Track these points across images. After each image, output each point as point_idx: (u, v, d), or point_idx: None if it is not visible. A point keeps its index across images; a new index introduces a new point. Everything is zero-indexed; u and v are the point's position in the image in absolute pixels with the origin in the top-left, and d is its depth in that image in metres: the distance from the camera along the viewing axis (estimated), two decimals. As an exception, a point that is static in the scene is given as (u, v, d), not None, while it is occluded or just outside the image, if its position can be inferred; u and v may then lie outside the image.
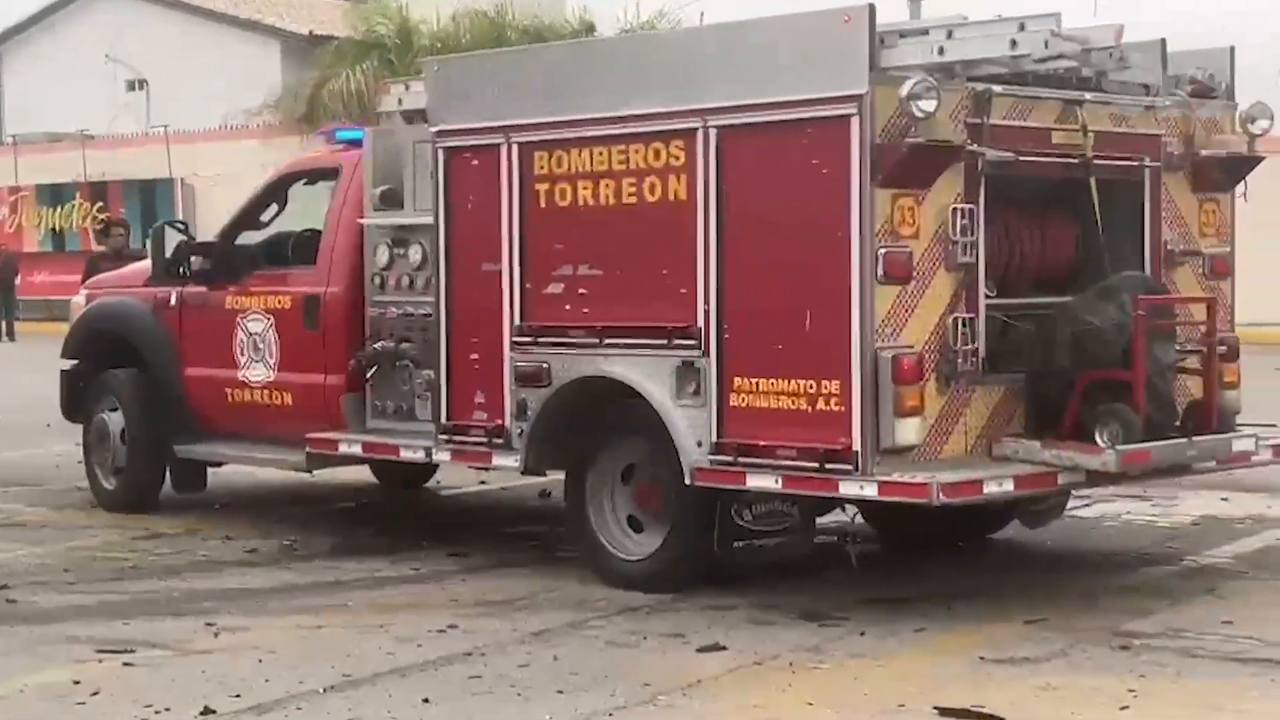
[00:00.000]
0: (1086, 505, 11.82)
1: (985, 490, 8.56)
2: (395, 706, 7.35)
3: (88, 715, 7.37)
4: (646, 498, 9.66)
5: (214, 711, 7.26)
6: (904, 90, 8.42)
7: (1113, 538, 11.14)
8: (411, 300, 10.72)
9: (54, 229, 40.08)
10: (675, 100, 9.21)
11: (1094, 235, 9.37)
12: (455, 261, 10.28)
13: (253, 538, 11.49)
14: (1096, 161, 9.28)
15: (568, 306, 9.74)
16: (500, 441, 10.04)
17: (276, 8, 44.14)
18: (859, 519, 10.36)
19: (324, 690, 7.60)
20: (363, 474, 13.03)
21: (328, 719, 7.22)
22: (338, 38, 38.52)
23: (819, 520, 9.78)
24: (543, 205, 9.83)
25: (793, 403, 8.80)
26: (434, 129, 10.36)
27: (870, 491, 8.59)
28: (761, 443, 8.88)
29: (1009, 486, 8.67)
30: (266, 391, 11.64)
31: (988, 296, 9.01)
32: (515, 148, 9.92)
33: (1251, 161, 9.98)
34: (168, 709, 7.33)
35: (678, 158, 9.22)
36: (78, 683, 7.78)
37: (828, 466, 8.65)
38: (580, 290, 9.70)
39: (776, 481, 8.86)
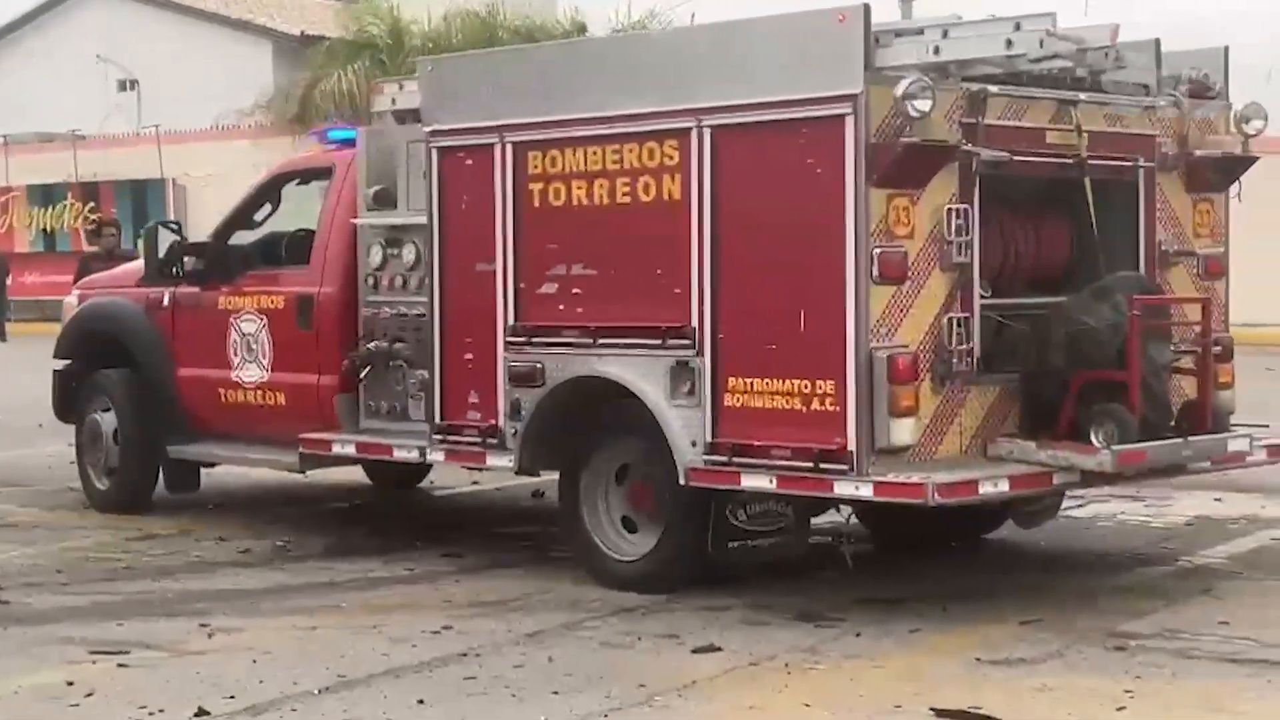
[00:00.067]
0: (1080, 506, 11.81)
1: (981, 491, 8.56)
2: (390, 708, 7.33)
3: (82, 716, 7.35)
4: (641, 498, 9.64)
5: (208, 713, 7.23)
6: (899, 90, 8.41)
7: (1107, 538, 11.14)
8: (405, 300, 10.70)
9: (45, 229, 40.01)
10: (669, 100, 9.20)
11: (1088, 235, 9.36)
12: (449, 261, 10.27)
13: (246, 538, 11.47)
14: (1091, 161, 9.28)
15: (562, 306, 9.72)
16: (494, 442, 10.02)
17: (268, 8, 44.07)
18: (853, 519, 10.33)
19: (319, 691, 7.58)
20: (356, 474, 13.00)
21: (322, 720, 7.22)
22: (329, 38, 38.46)
23: (813, 520, 9.77)
24: (537, 205, 9.82)
25: (787, 403, 8.79)
26: (428, 129, 10.34)
27: (865, 492, 8.58)
28: (756, 443, 8.87)
29: (1004, 487, 8.66)
30: (260, 392, 11.61)
31: (983, 296, 9.01)
32: (509, 147, 9.90)
33: (1245, 162, 9.98)
34: (162, 710, 7.31)
35: (672, 157, 9.21)
36: (71, 684, 7.76)
37: (822, 467, 8.64)
38: (574, 290, 9.68)
39: (771, 482, 8.85)
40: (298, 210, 12.21)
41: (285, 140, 33.24)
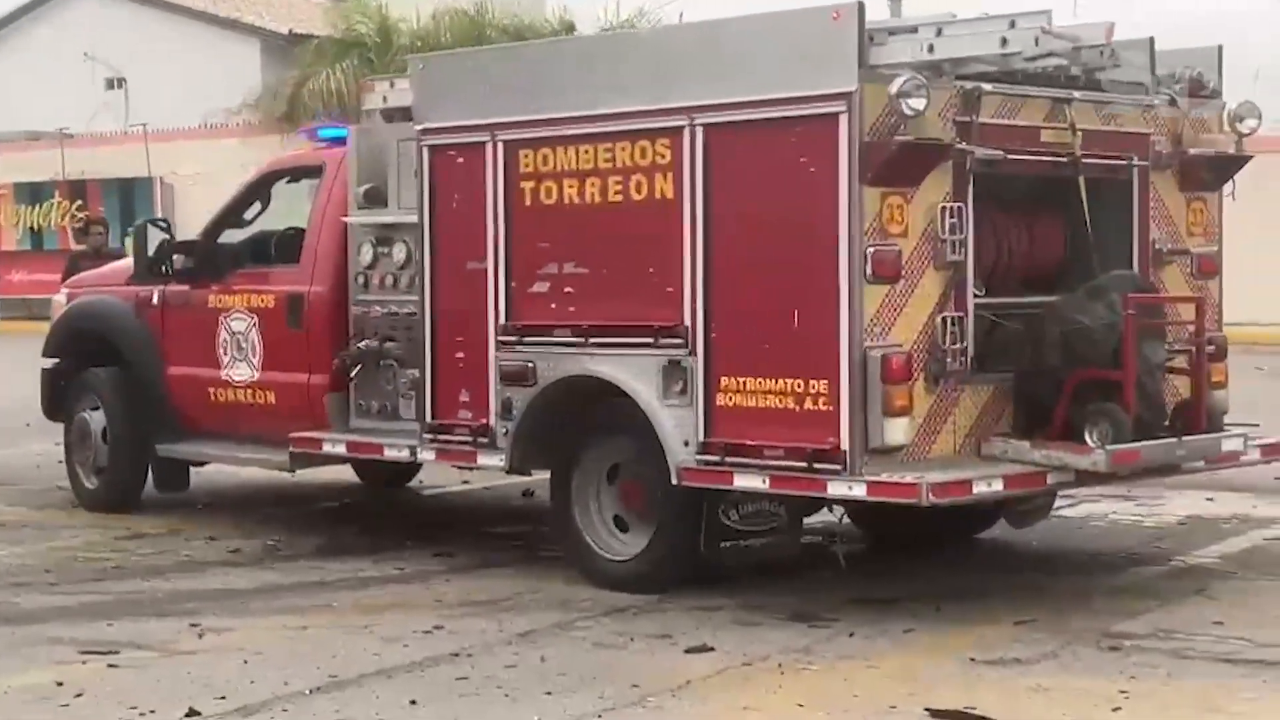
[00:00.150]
0: (1072, 505, 11.79)
1: (975, 490, 8.53)
2: (382, 708, 7.30)
3: (72, 717, 7.31)
4: (632, 498, 9.61)
5: (199, 713, 7.20)
6: (893, 88, 8.38)
7: (1099, 538, 11.11)
8: (396, 299, 10.67)
9: (32, 227, 39.86)
10: (662, 98, 9.16)
11: (1082, 234, 9.34)
12: (440, 260, 10.23)
13: (236, 538, 11.42)
14: (1085, 160, 9.25)
15: (553, 305, 9.69)
16: (485, 441, 9.98)
17: (256, 6, 43.96)
18: (846, 519, 10.30)
19: (310, 692, 7.54)
20: (345, 473, 12.96)
21: (314, 721, 7.18)
22: (317, 36, 38.34)
23: (806, 520, 9.74)
24: (528, 203, 9.78)
25: (780, 402, 8.75)
26: (419, 127, 10.30)
27: (859, 492, 8.54)
28: (749, 442, 8.84)
29: (998, 486, 8.63)
30: (250, 391, 11.57)
31: (976, 295, 8.97)
32: (500, 146, 9.87)
33: (1239, 161, 9.96)
34: (153, 711, 7.27)
35: (664, 156, 9.17)
36: (61, 684, 7.71)
37: (816, 466, 8.61)
38: (566, 289, 9.64)
39: (764, 481, 8.81)
40: (288, 209, 12.16)
41: (273, 139, 33.14)
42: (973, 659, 7.92)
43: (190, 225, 13.93)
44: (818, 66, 8.57)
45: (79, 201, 38.26)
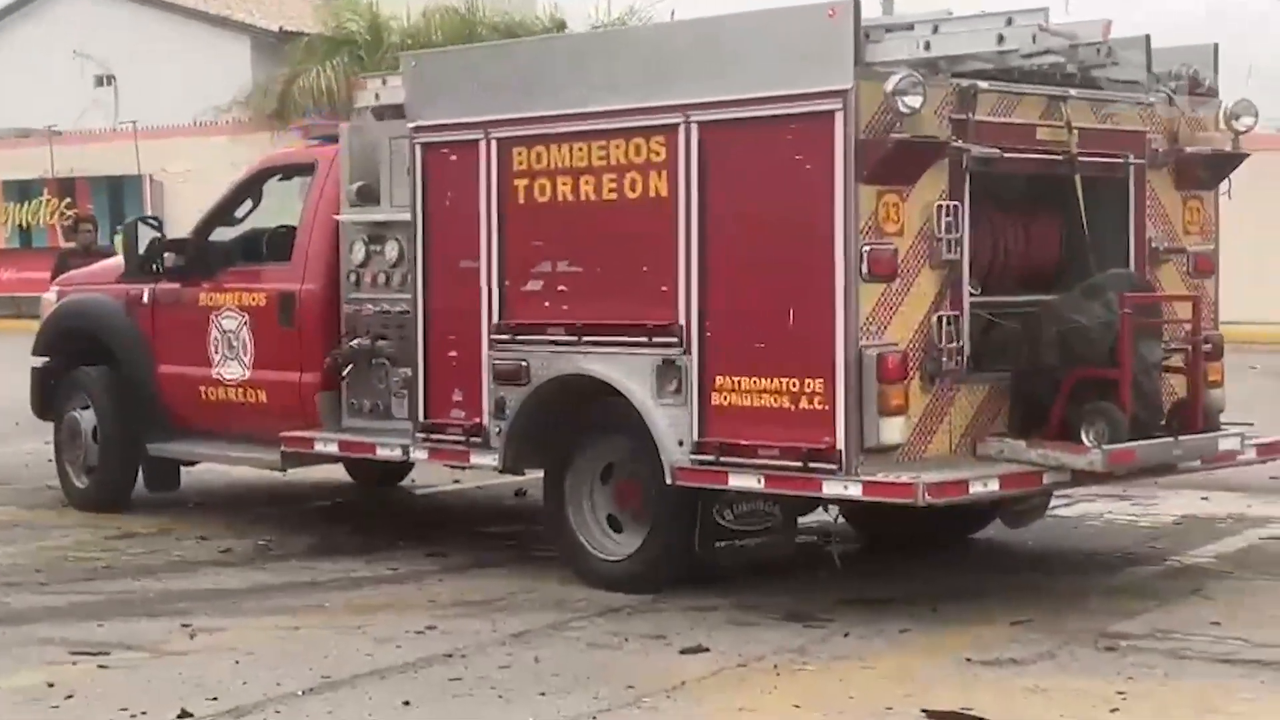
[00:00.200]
0: (1067, 505, 11.75)
1: (971, 490, 8.49)
2: (375, 709, 7.25)
3: (63, 718, 7.25)
4: (626, 497, 9.56)
5: (191, 714, 7.15)
6: (889, 86, 8.33)
7: (1095, 538, 11.08)
8: (388, 297, 10.61)
9: (21, 225, 39.75)
10: (656, 95, 9.12)
11: (1078, 232, 9.30)
12: (433, 258, 10.18)
13: (227, 537, 11.37)
14: (1081, 158, 9.21)
15: (547, 304, 9.64)
16: (478, 440, 9.93)
17: (246, 4, 43.85)
18: (840, 519, 10.26)
19: (303, 692, 7.50)
20: (337, 472, 12.91)
21: (307, 722, 7.13)
22: (308, 34, 38.24)
23: (800, 520, 9.69)
24: (522, 201, 9.73)
25: (775, 401, 8.71)
26: (411, 124, 10.25)
27: (854, 491, 8.50)
28: (744, 442, 8.79)
29: (994, 486, 8.59)
30: (241, 389, 11.51)
31: (972, 294, 8.93)
32: (494, 143, 9.82)
33: (1235, 159, 9.92)
34: (144, 712, 7.22)
35: (659, 154, 9.12)
36: (52, 685, 7.66)
37: (811, 466, 8.57)
38: (560, 287, 9.60)
39: (759, 481, 8.77)
40: (279, 207, 12.10)
41: (263, 136, 33.07)
42: (969, 659, 7.88)
43: (179, 223, 13.86)
44: (813, 64, 8.52)
45: (68, 199, 38.17)
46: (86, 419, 12.44)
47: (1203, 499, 12.18)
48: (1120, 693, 7.30)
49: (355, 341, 10.72)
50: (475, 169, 9.88)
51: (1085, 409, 8.75)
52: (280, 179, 12.10)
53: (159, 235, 12.19)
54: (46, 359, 12.96)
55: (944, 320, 8.71)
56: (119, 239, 12.67)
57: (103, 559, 10.75)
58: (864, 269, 8.44)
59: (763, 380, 8.75)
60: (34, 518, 12.36)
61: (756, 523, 9.31)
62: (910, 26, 8.78)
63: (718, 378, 8.92)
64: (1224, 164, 9.91)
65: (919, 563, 10.11)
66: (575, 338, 9.49)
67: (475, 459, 10.05)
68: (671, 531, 9.25)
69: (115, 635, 8.62)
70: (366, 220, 10.72)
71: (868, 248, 8.44)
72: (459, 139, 9.98)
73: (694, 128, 8.96)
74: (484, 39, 32.07)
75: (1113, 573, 10.01)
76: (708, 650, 8.11)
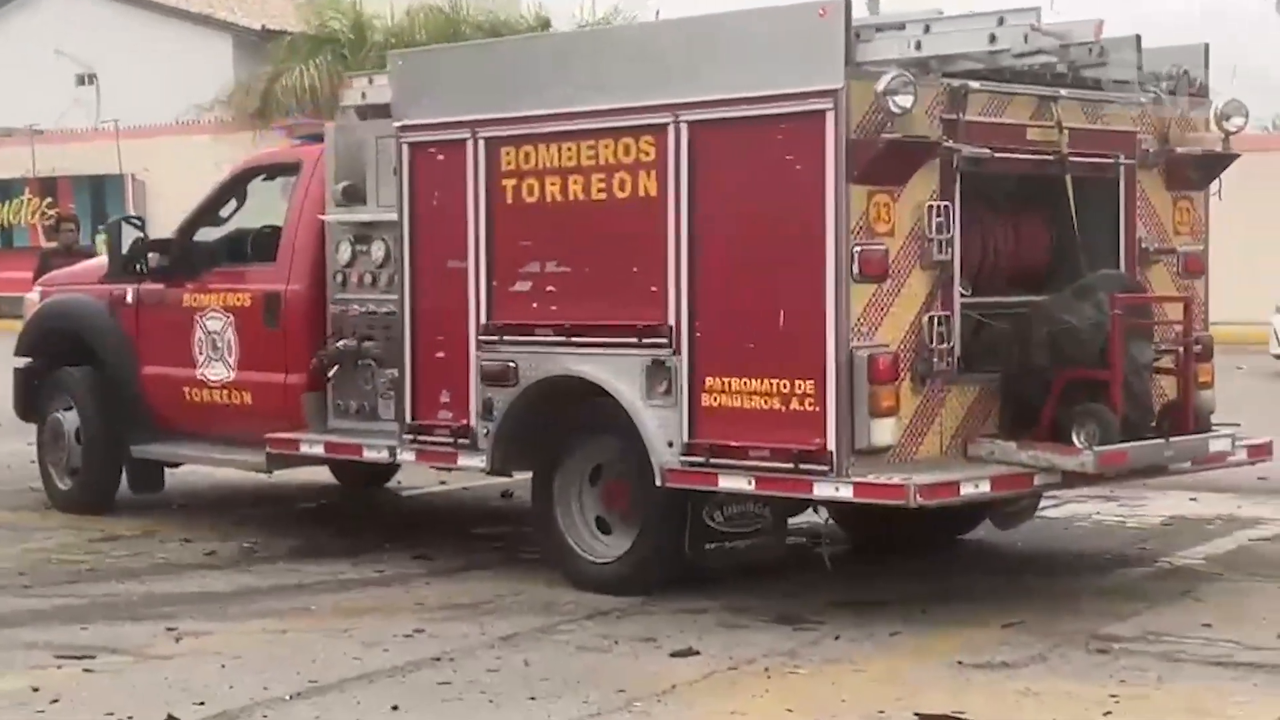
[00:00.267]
0: (1056, 506, 11.71)
1: (962, 492, 8.46)
2: (364, 713, 7.20)
3: (48, 724, 7.20)
4: (615, 499, 9.51)
5: (178, 719, 7.08)
6: (880, 85, 8.29)
7: (1084, 539, 11.04)
8: (374, 298, 10.55)
9: (2, 225, 39.64)
10: (646, 95, 9.06)
11: (1069, 233, 9.26)
12: (420, 258, 10.12)
13: (212, 540, 11.29)
14: (1071, 158, 9.17)
15: (535, 304, 9.58)
16: (466, 441, 9.87)
17: (228, 2, 43.76)
18: (830, 521, 10.21)
19: (290, 697, 7.43)
20: (322, 474, 12.83)
21: (295, 727, 7.08)
22: (291, 33, 38.15)
23: (790, 521, 9.64)
24: (510, 201, 9.67)
25: (766, 403, 8.66)
26: (398, 124, 10.19)
27: (845, 493, 8.45)
28: (734, 443, 8.74)
29: (986, 488, 8.55)
30: (226, 391, 11.44)
31: (963, 295, 8.89)
32: (482, 143, 9.76)
33: (1226, 159, 9.89)
34: (130, 717, 7.16)
35: (648, 153, 9.07)
36: (37, 690, 7.59)
37: (802, 467, 8.52)
38: (548, 288, 9.54)
39: (749, 483, 8.72)
40: (264, 206, 12.02)
41: (246, 135, 32.97)
42: (960, 662, 7.84)
43: (161, 222, 13.78)
44: (804, 63, 8.48)
45: (49, 199, 38.06)
46: (70, 420, 12.36)
47: (1191, 500, 12.16)
48: (1113, 696, 7.26)
49: (341, 342, 10.65)
50: (463, 169, 9.82)
51: (1076, 410, 8.71)
52: (265, 179, 12.02)
53: (143, 235, 12.10)
54: (29, 359, 12.87)
55: (935, 321, 8.67)
56: (101, 238, 12.57)
57: (86, 561, 10.68)
58: (855, 270, 8.39)
59: (753, 381, 8.70)
60: (17, 520, 12.27)
61: (746, 524, 9.26)
62: (901, 26, 8.72)
63: (708, 379, 8.87)
64: (1214, 164, 9.88)
65: (908, 564, 10.06)
66: (564, 338, 9.43)
67: (463, 461, 9.99)
68: (661, 533, 9.20)
69: (100, 639, 8.55)
70: (352, 220, 10.66)
71: (859, 248, 8.40)
72: (446, 138, 9.92)
73: (684, 127, 8.91)
74: (468, 38, 32.02)
75: (1103, 574, 9.97)
76: (698, 653, 8.06)
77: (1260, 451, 9.77)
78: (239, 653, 8.19)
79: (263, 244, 11.55)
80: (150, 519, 12.03)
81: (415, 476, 13.22)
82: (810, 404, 8.49)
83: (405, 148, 10.12)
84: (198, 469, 12.84)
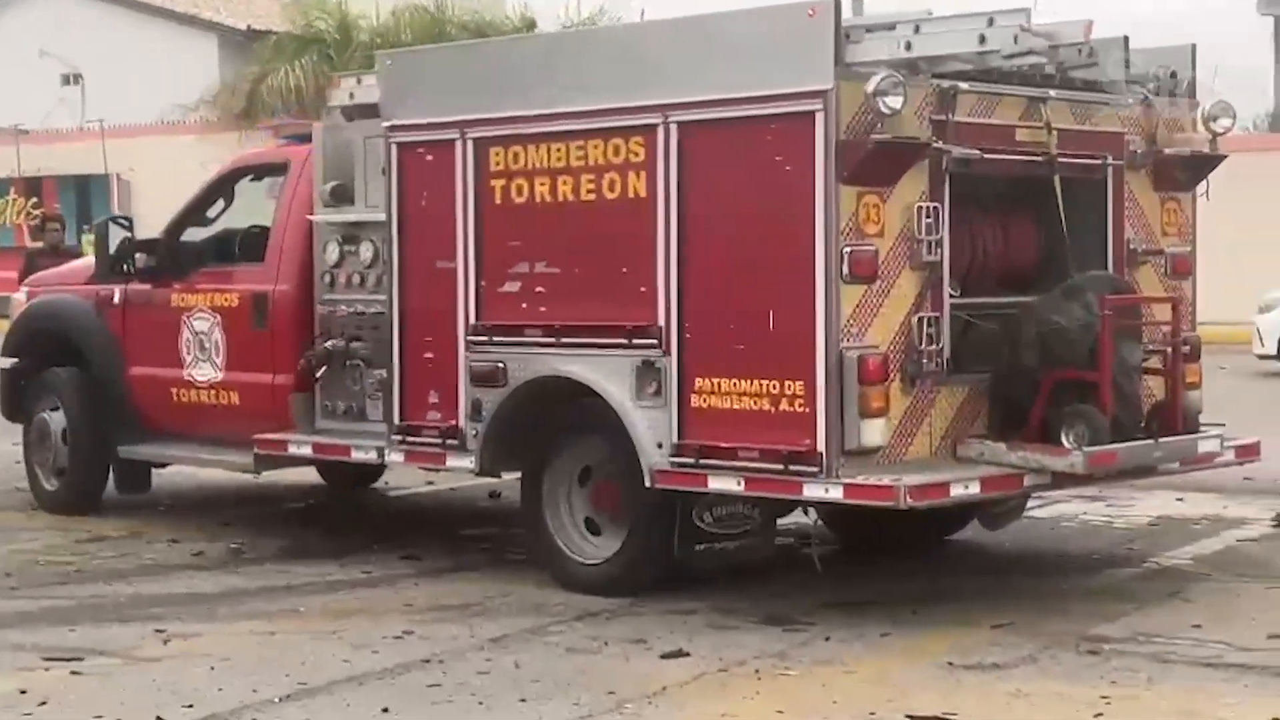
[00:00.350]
0: (1042, 506, 11.71)
1: (952, 493, 8.45)
2: (354, 716, 7.18)
3: (36, 726, 7.17)
4: (604, 500, 9.49)
5: (167, 722, 7.07)
6: (870, 86, 8.28)
7: (1072, 539, 11.05)
8: (362, 298, 10.53)
9: (-13, 225, 39.57)
10: (635, 95, 9.05)
11: (1058, 234, 9.26)
12: (408, 259, 10.09)
13: (199, 541, 11.27)
14: (1060, 159, 9.17)
15: (524, 305, 9.56)
16: (454, 442, 9.85)
17: (213, 2, 43.68)
18: (819, 522, 10.20)
19: (279, 700, 7.41)
20: (310, 474, 12.80)
21: (285, 729, 7.06)
22: (276, 33, 38.07)
23: (779, 522, 9.63)
24: (499, 202, 9.66)
25: (755, 403, 8.65)
26: (386, 124, 10.16)
27: (835, 494, 8.45)
28: (723, 444, 8.73)
29: (976, 489, 8.55)
30: (213, 391, 11.41)
31: (952, 296, 8.89)
32: (470, 143, 9.74)
33: (1214, 160, 9.89)
34: (119, 720, 7.14)
35: (638, 154, 9.06)
36: (24, 692, 7.56)
37: (791, 468, 8.51)
38: (537, 288, 9.52)
39: (739, 484, 8.72)
40: (252, 207, 11.99)
41: (231, 135, 32.90)
42: (951, 663, 7.84)
43: (147, 222, 13.73)
44: (793, 64, 8.47)
45: (35, 199, 37.96)
46: (56, 420, 12.33)
47: (1178, 500, 12.17)
48: (1104, 697, 7.26)
49: (329, 343, 10.63)
50: (451, 169, 9.80)
51: (1065, 411, 8.71)
52: (252, 179, 11.99)
53: (130, 235, 12.07)
54: (16, 360, 12.85)
55: (924, 322, 8.66)
56: (87, 238, 12.55)
57: (74, 562, 10.64)
58: (845, 270, 8.39)
59: (743, 382, 8.69)
60: (3, 520, 12.23)
61: (735, 525, 9.24)
62: (891, 26, 8.73)
63: (697, 379, 8.86)
64: (1202, 165, 9.89)
65: (897, 565, 10.06)
66: (553, 339, 9.42)
67: (451, 461, 9.97)
68: (650, 534, 9.19)
69: (88, 641, 8.52)
70: (341, 220, 10.64)
71: (848, 249, 8.39)
72: (435, 139, 9.90)
73: (673, 128, 8.90)
74: (453, 38, 31.99)
75: (1091, 575, 9.98)
76: (688, 655, 8.05)
77: (1248, 452, 9.79)
78: (227, 655, 8.17)
79: (250, 244, 11.52)
80: (137, 520, 12.00)
81: (402, 477, 13.20)
82: (800, 405, 8.49)
83: (394, 148, 10.10)
84: (184, 469, 12.81)
